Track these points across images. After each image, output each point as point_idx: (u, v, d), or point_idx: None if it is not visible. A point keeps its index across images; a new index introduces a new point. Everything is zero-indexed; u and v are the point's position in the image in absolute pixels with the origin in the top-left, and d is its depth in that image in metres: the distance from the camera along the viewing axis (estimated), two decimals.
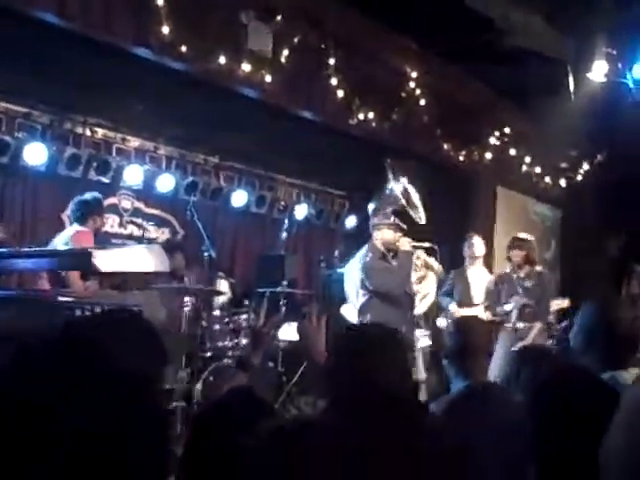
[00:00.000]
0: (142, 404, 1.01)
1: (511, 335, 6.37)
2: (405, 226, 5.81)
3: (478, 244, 7.44)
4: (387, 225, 5.76)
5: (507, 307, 6.55)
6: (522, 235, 6.92)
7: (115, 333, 1.71)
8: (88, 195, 5.94)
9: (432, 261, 6.26)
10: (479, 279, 7.27)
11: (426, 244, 6.17)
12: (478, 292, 7.16)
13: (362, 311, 5.58)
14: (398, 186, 5.79)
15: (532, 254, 6.81)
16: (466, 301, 7.19)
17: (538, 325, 6.47)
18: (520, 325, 6.41)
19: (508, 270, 6.82)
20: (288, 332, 6.87)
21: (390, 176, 5.74)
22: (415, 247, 5.93)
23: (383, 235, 5.76)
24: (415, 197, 5.98)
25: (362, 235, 9.09)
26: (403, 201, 5.79)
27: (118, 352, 1.06)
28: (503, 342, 6.27)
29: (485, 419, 2.62)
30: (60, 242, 5.53)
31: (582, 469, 1.63)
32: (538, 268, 6.89)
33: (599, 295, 3.11)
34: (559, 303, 7.78)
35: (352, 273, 6.05)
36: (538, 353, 3.87)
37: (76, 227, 5.72)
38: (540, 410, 1.85)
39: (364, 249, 6.00)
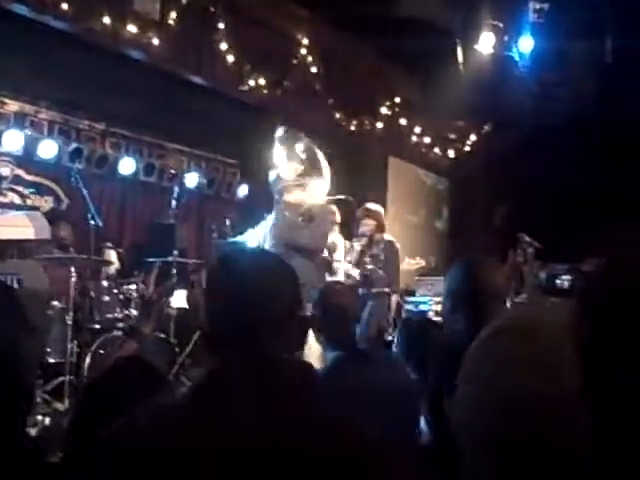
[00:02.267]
0: None
1: None
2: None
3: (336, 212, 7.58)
4: (295, 185, 5.74)
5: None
6: (371, 205, 6.99)
7: None
8: None
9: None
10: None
11: (341, 196, 6.23)
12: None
13: None
14: (291, 163, 5.74)
15: (382, 223, 6.92)
16: None
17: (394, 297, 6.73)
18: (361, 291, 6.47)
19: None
20: (179, 299, 6.78)
21: (281, 150, 5.67)
22: (330, 201, 5.95)
23: (294, 196, 5.72)
24: (320, 157, 5.95)
25: (253, 204, 9.13)
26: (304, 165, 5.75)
27: None
28: None
29: (361, 386, 2.61)
30: None
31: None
32: (387, 237, 6.99)
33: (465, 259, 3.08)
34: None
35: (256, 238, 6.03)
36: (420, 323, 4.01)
37: None
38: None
39: (272, 214, 5.99)
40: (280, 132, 5.88)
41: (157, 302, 6.98)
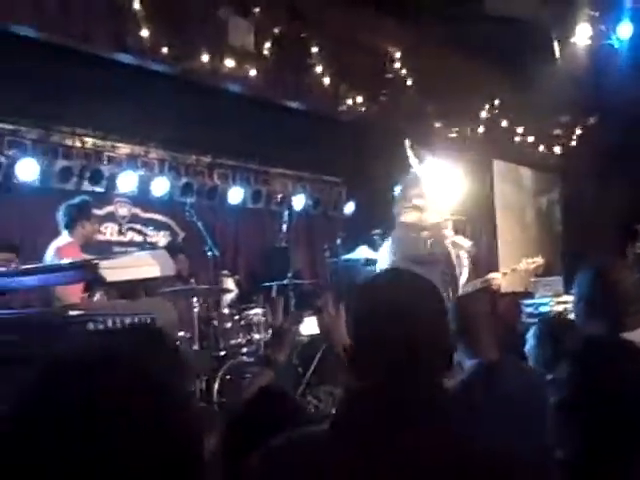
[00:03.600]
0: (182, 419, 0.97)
1: None
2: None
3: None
4: (412, 207, 5.73)
5: None
6: None
7: (143, 350, 1.68)
8: (75, 199, 5.86)
9: (460, 239, 6.21)
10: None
11: (453, 216, 6.21)
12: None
13: None
14: (419, 168, 5.74)
15: None
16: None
17: None
18: None
19: None
20: (309, 326, 6.89)
21: (411, 156, 5.69)
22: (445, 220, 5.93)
23: (411, 217, 5.72)
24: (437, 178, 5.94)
25: (362, 220, 9.19)
26: (424, 183, 5.73)
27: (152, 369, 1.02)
28: None
29: (499, 394, 2.60)
30: (48, 258, 5.47)
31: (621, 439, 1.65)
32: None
33: (597, 259, 3.03)
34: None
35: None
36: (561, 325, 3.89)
37: (63, 238, 5.57)
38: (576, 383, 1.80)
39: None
40: (408, 146, 5.85)
41: (289, 330, 7.10)
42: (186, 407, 1.00)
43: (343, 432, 1.38)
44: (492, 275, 6.75)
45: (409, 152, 5.73)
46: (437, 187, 5.82)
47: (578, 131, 11.15)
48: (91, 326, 3.59)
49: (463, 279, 6.60)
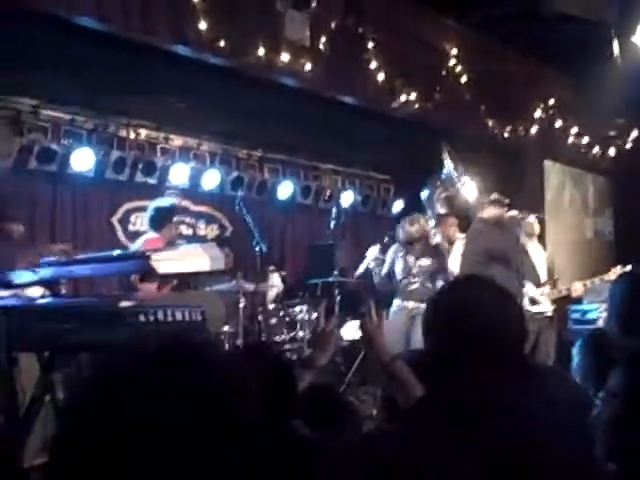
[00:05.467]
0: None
1: None
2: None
3: (535, 223, 7.42)
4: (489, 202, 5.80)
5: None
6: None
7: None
8: (164, 201, 5.96)
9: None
10: (539, 257, 7.26)
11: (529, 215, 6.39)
12: (542, 270, 7.17)
13: None
14: (454, 173, 5.75)
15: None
16: (535, 281, 7.22)
17: None
18: None
19: None
20: (351, 331, 6.90)
21: (447, 161, 5.70)
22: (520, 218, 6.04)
23: (487, 212, 5.78)
24: (470, 186, 5.95)
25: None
26: (458, 186, 5.76)
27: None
28: None
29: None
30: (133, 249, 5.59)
31: None
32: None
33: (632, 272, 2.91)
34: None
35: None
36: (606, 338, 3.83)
37: (150, 234, 5.74)
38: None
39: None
40: (444, 150, 5.87)
41: (331, 333, 7.11)
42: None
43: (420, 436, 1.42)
44: (575, 284, 6.87)
45: (445, 156, 5.73)
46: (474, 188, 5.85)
47: (634, 133, 10.95)
48: (142, 318, 3.63)
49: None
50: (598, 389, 3.04)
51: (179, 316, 3.80)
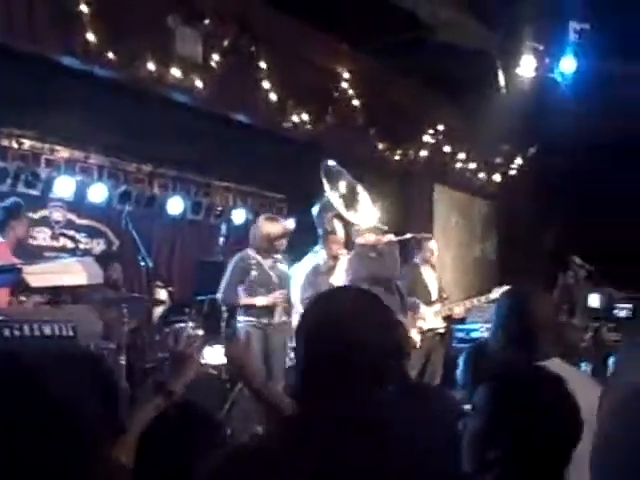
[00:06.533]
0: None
1: None
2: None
3: (434, 249, 7.79)
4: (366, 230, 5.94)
5: None
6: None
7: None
8: (6, 201, 5.80)
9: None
10: (430, 276, 7.75)
11: (408, 235, 6.54)
12: (433, 289, 7.68)
13: None
14: (334, 194, 5.85)
15: None
16: (427, 300, 7.57)
17: None
18: None
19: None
20: (213, 355, 6.69)
21: (325, 182, 5.79)
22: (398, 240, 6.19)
23: (363, 239, 5.93)
24: (362, 197, 6.06)
25: (302, 238, 9.21)
26: (340, 208, 5.86)
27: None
28: None
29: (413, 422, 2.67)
30: None
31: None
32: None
33: (516, 287, 3.16)
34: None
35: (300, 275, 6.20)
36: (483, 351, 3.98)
37: None
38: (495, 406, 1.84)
39: (318, 248, 6.21)
40: (326, 166, 5.95)
41: (190, 357, 7.06)
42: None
43: (295, 452, 1.40)
44: (456, 307, 7.21)
45: (323, 177, 5.83)
46: (365, 211, 6.00)
47: (518, 160, 11.41)
48: (7, 332, 3.53)
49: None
50: (471, 398, 3.16)
51: (47, 331, 3.73)
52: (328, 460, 1.36)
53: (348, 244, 6.23)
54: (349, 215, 5.84)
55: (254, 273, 6.26)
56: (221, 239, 8.24)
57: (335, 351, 1.47)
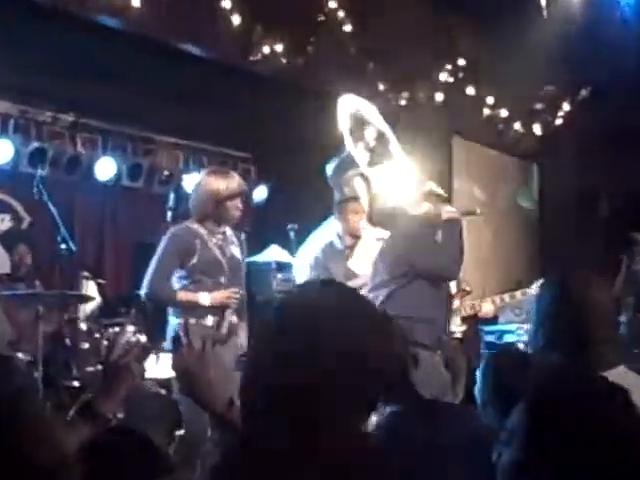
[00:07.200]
0: None
1: None
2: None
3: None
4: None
5: None
6: None
7: None
8: None
9: None
10: None
11: (477, 210, 6.37)
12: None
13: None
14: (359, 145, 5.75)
15: None
16: None
17: None
18: None
19: None
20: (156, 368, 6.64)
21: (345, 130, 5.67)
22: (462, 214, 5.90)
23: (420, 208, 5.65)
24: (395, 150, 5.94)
25: (275, 210, 9.21)
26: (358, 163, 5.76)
27: None
28: None
29: (430, 446, 2.69)
30: None
31: None
32: None
33: (564, 271, 3.07)
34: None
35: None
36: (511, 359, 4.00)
37: None
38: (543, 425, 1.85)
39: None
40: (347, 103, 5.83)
41: (127, 369, 7.08)
42: None
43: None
44: (484, 304, 7.03)
45: (343, 122, 5.74)
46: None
47: (565, 106, 11.38)
48: None
49: None
50: (501, 423, 3.18)
51: None
52: None
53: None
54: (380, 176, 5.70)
55: (196, 256, 5.55)
56: (168, 213, 8.19)
57: (296, 364, 1.51)
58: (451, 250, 5.43)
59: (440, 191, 5.56)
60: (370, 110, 5.68)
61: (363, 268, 6.01)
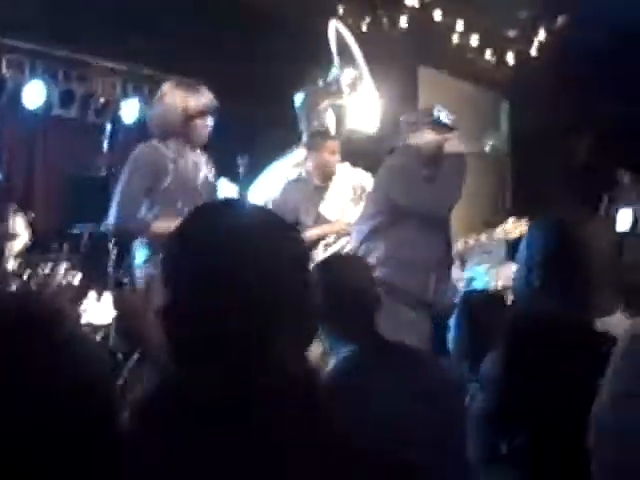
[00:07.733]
0: None
1: None
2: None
3: None
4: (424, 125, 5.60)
5: None
6: None
7: None
8: None
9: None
10: None
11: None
12: None
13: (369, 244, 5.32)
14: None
15: None
16: None
17: None
18: None
19: None
20: (99, 311, 6.70)
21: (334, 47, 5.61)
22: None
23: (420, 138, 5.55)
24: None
25: (224, 142, 9.09)
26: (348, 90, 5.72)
27: None
28: None
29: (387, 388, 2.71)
30: None
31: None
32: None
33: (557, 210, 3.13)
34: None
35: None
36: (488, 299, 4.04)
37: None
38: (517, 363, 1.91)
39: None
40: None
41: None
42: None
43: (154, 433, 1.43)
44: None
45: (332, 38, 5.67)
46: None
47: (541, 34, 11.39)
48: None
49: None
50: (473, 371, 3.20)
51: None
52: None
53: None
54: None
55: (168, 178, 5.10)
56: (105, 144, 8.16)
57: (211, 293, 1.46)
58: (446, 187, 5.41)
59: (447, 121, 5.47)
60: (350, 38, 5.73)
61: (335, 213, 6.00)
